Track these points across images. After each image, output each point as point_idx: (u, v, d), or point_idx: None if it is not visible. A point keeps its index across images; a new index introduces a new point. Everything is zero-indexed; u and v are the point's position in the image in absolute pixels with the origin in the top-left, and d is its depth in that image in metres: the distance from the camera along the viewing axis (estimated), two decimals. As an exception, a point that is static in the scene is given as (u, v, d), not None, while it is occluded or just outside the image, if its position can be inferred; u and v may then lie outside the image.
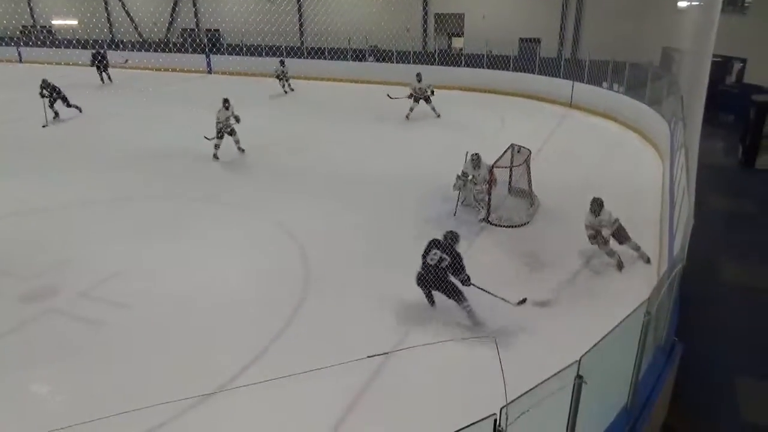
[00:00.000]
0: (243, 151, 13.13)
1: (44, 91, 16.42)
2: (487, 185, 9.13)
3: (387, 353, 5.57)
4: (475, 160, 9.46)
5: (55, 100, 16.70)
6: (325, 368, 5.57)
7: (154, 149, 13.71)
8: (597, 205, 7.64)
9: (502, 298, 6.78)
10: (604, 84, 17.42)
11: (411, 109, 16.24)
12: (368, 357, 5.65)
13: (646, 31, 19.80)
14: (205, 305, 6.94)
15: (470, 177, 9.41)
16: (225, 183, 11.32)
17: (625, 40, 18.72)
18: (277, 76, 21.37)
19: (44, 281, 7.45)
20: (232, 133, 12.89)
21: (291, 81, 21.47)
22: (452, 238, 6.66)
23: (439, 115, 16.22)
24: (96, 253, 8.22)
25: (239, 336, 6.34)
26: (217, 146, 12.74)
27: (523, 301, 6.91)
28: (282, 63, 21.53)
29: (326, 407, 5.28)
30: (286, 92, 21.31)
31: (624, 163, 12.69)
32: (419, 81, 16.19)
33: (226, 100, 12.79)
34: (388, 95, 16.18)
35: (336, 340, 6.14)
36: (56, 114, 16.64)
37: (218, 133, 12.70)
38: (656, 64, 18.17)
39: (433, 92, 16.06)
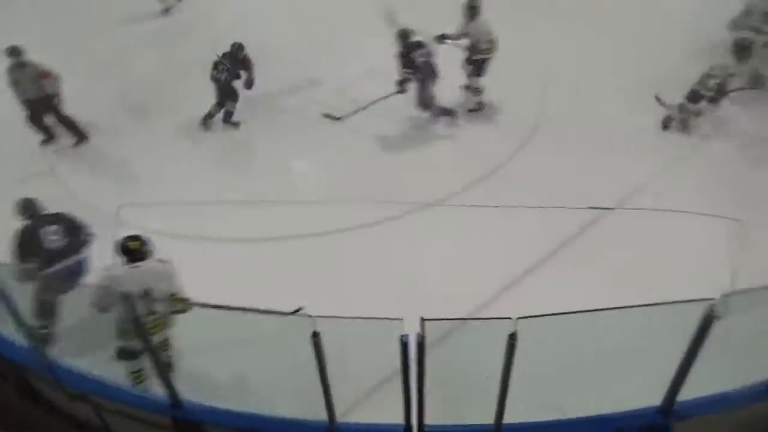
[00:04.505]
0: None
1: None
2: None
3: (610, 209, 5.32)
4: None
5: None
6: (540, 208, 5.55)
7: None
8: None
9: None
10: None
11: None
12: (588, 208, 5.51)
13: None
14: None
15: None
16: None
17: None
18: None
19: (308, 74, 8.05)
20: None
21: None
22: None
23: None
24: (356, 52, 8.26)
25: (465, 158, 6.64)
26: None
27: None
28: None
29: (528, 246, 5.34)
30: None
31: None
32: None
33: None
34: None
35: (562, 183, 6.02)
36: None
37: None
38: None
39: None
